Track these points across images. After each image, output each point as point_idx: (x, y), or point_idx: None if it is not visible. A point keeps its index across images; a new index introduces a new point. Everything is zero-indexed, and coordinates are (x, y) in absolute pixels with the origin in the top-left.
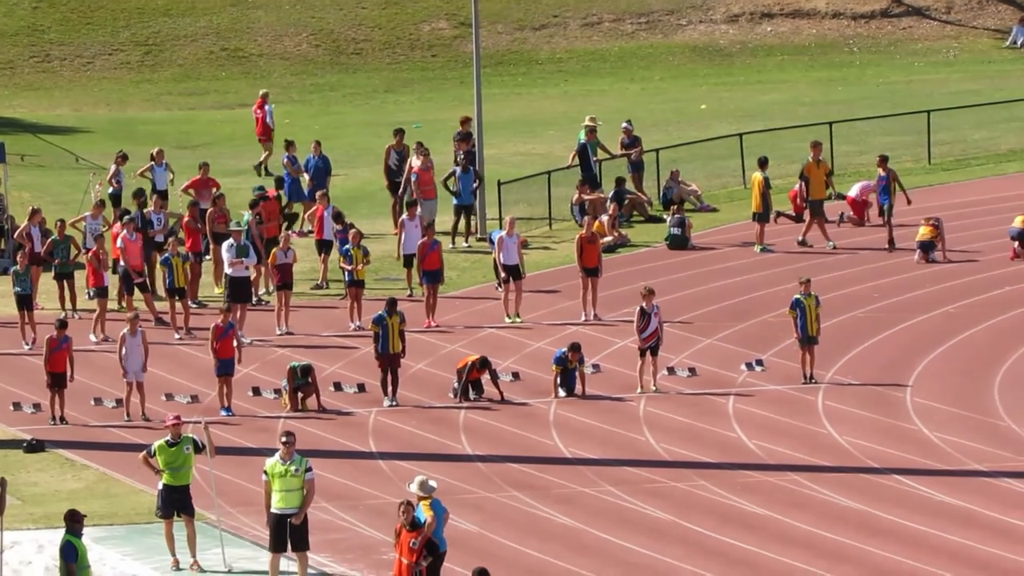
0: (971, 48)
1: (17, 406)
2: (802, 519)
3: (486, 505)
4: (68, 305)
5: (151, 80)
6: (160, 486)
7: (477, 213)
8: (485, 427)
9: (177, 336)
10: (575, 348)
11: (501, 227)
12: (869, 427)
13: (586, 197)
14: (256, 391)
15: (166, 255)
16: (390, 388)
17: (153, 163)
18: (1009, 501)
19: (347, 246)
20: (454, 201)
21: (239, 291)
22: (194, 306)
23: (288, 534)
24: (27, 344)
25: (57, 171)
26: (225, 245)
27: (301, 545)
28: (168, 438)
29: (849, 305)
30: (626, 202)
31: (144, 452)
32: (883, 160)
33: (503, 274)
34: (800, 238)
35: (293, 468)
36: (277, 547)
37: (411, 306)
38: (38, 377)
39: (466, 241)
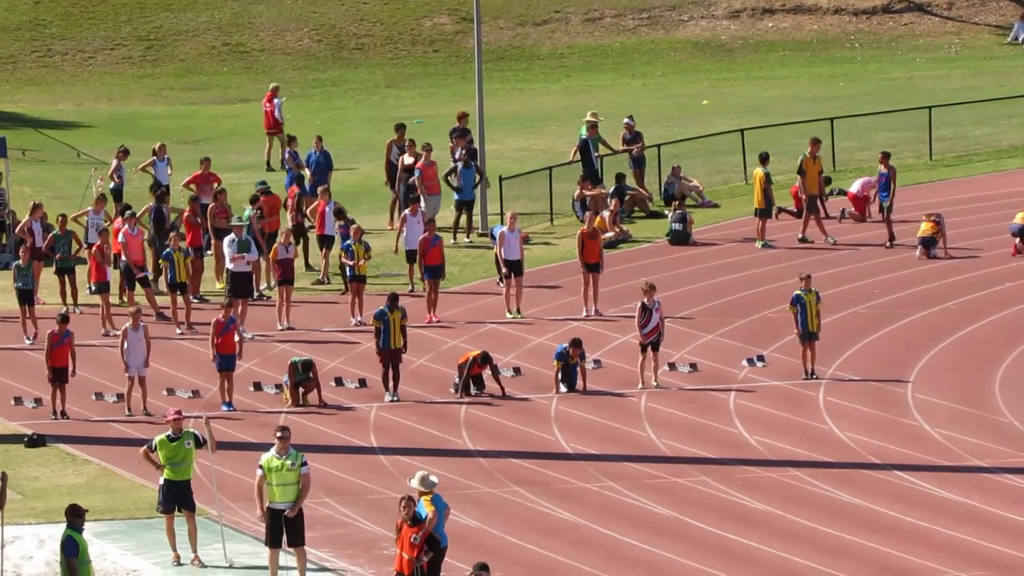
0: (972, 44)
1: (18, 401)
2: (803, 515)
3: (487, 500)
4: (69, 300)
5: (153, 75)
6: (161, 481)
7: (481, 206)
8: (486, 422)
9: (178, 331)
10: (576, 344)
11: (502, 223)
12: (870, 423)
13: (587, 193)
14: (257, 386)
15: (168, 250)
16: (391, 383)
17: (155, 158)
18: (1010, 497)
19: (348, 241)
20: (455, 197)
21: (240, 286)
22: (195, 301)
23: (283, 529)
24: (28, 339)
25: (58, 166)
26: (227, 240)
27: (297, 540)
28: (169, 433)
29: (850, 301)
30: (627, 198)
31: (145, 447)
32: (885, 156)
33: (504, 269)
34: (800, 235)
35: (289, 463)
36: (273, 542)
37: (412, 301)
38: (39, 372)
39: (467, 237)
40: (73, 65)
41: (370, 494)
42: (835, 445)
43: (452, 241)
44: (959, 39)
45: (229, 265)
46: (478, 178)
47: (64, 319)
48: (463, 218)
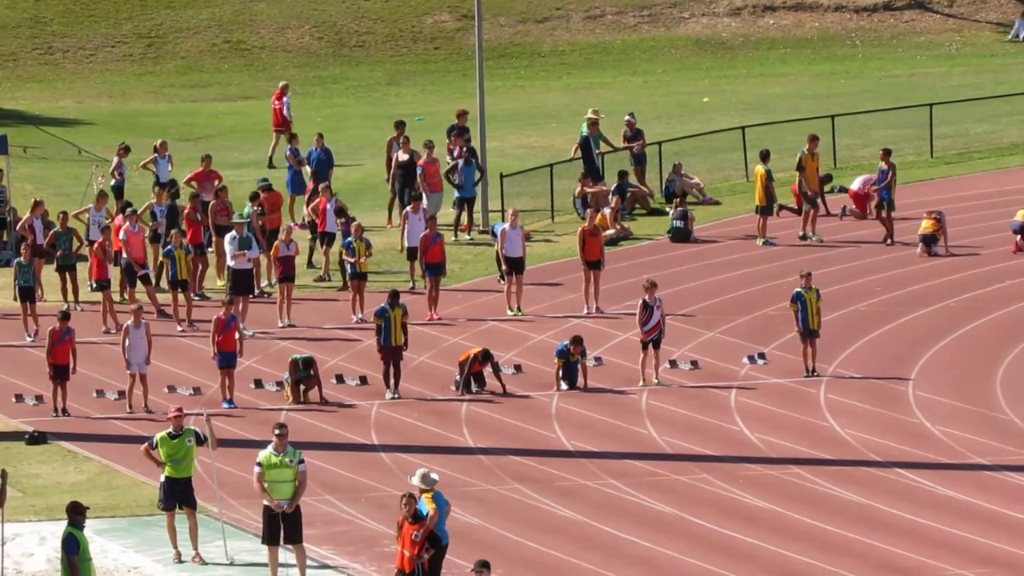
0: (973, 42)
1: (19, 398)
2: (804, 512)
3: (488, 498)
4: (70, 297)
5: (153, 72)
6: (162, 478)
7: (482, 203)
8: (487, 420)
9: (179, 328)
10: (577, 341)
11: (503, 220)
12: (871, 420)
13: (588, 190)
14: (258, 383)
15: (169, 247)
16: (392, 381)
17: (156, 155)
18: (1011, 495)
19: (349, 238)
20: (456, 194)
21: (241, 283)
22: (196, 298)
23: (281, 526)
24: (29, 336)
25: (59, 163)
26: (228, 237)
27: (295, 537)
28: (170, 430)
29: (851, 298)
30: (628, 195)
31: (146, 444)
32: (886, 153)
33: (505, 266)
34: (801, 232)
35: (287, 459)
36: (271, 539)
37: (413, 299)
38: (40, 369)
39: (468, 234)
40: (74, 62)
41: (371, 491)
42: (836, 443)
43: (453, 238)
44: (960, 36)
45: (230, 262)
46: (479, 175)
47: (65, 316)
48: (463, 215)
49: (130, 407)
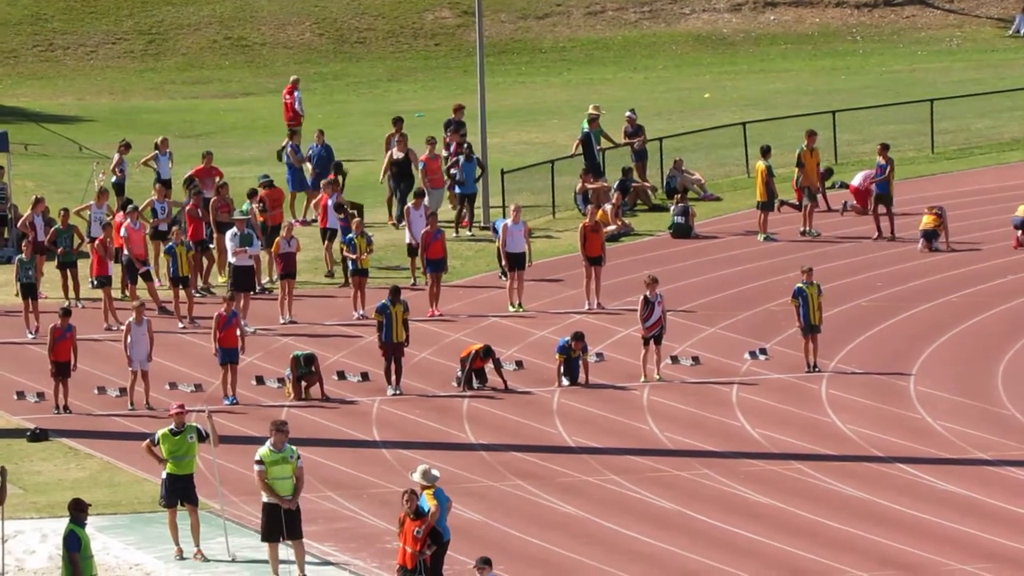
0: (974, 37)
1: (21, 395)
2: (806, 508)
3: (489, 494)
4: (71, 294)
5: (154, 69)
6: (164, 475)
7: (483, 199)
8: (489, 416)
9: (181, 325)
10: (578, 337)
11: (504, 216)
12: (872, 416)
13: (590, 186)
14: (260, 380)
15: (170, 244)
16: (394, 377)
17: (157, 152)
18: (1013, 490)
19: (350, 235)
20: (456, 190)
21: (242, 280)
22: (198, 295)
23: (282, 523)
24: (31, 333)
25: (60, 160)
26: (229, 234)
27: (296, 533)
28: (172, 427)
29: (852, 294)
30: (631, 191)
31: (147, 441)
32: (884, 148)
33: (506, 262)
34: (802, 228)
35: (287, 456)
36: (272, 536)
37: (415, 295)
38: (42, 366)
39: (469, 230)
40: (75, 59)
41: (373, 488)
42: (837, 438)
43: (455, 235)
44: (961, 32)
45: (231, 259)
46: (480, 171)
47: (66, 313)
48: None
49: (131, 404)
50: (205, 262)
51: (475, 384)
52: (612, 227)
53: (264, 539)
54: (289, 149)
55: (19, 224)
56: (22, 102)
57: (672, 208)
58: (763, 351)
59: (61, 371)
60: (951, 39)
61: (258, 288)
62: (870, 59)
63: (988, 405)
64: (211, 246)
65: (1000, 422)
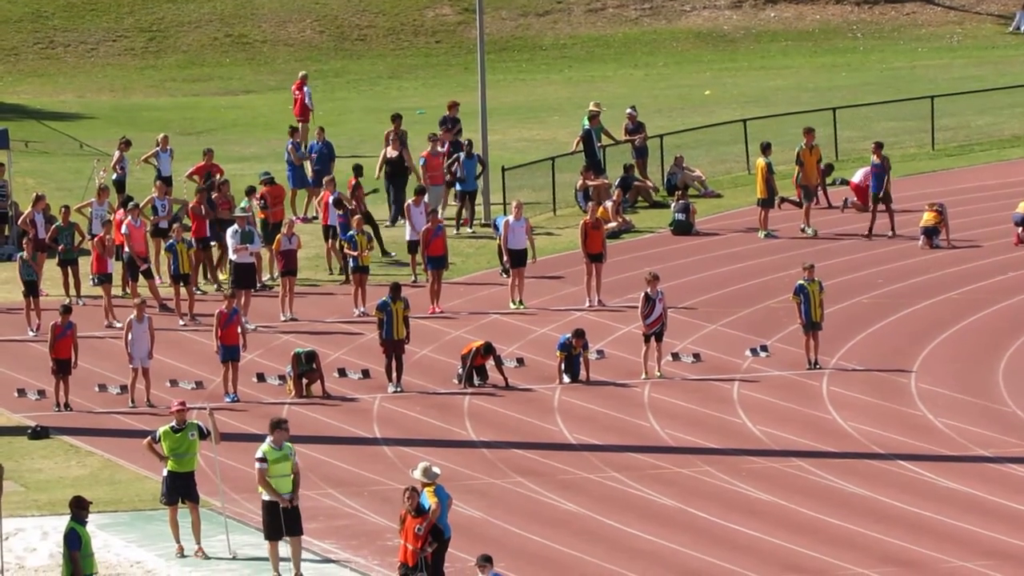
0: (975, 34)
1: (22, 392)
2: (807, 505)
3: (490, 491)
4: (72, 291)
5: (155, 66)
6: (164, 473)
7: (484, 196)
8: (489, 413)
9: (181, 322)
10: (579, 334)
11: (505, 212)
12: (873, 413)
13: (590, 183)
14: (260, 377)
15: (171, 241)
16: (394, 374)
17: (158, 149)
18: (1013, 486)
19: (351, 232)
20: (457, 187)
21: (243, 277)
22: (198, 293)
23: (283, 519)
24: (32, 331)
25: (61, 157)
26: (230, 231)
27: (296, 529)
28: (173, 424)
29: (853, 291)
30: (632, 188)
31: (148, 438)
32: (878, 147)
33: (507, 258)
34: (802, 225)
35: (286, 453)
36: (273, 534)
37: (415, 292)
38: (43, 364)
39: (469, 227)
40: (75, 57)
41: (374, 485)
42: (838, 435)
43: (455, 231)
44: (961, 29)
45: (232, 256)
46: (480, 168)
47: (67, 311)
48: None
49: (132, 401)
50: (217, 253)
51: (476, 381)
52: (613, 224)
53: (267, 538)
54: (290, 146)
55: (20, 222)
56: (23, 99)
57: (673, 205)
58: (764, 348)
59: (62, 368)
60: (951, 36)
61: (259, 285)
62: (870, 56)
63: (989, 402)
64: (212, 244)
65: (1001, 419)
